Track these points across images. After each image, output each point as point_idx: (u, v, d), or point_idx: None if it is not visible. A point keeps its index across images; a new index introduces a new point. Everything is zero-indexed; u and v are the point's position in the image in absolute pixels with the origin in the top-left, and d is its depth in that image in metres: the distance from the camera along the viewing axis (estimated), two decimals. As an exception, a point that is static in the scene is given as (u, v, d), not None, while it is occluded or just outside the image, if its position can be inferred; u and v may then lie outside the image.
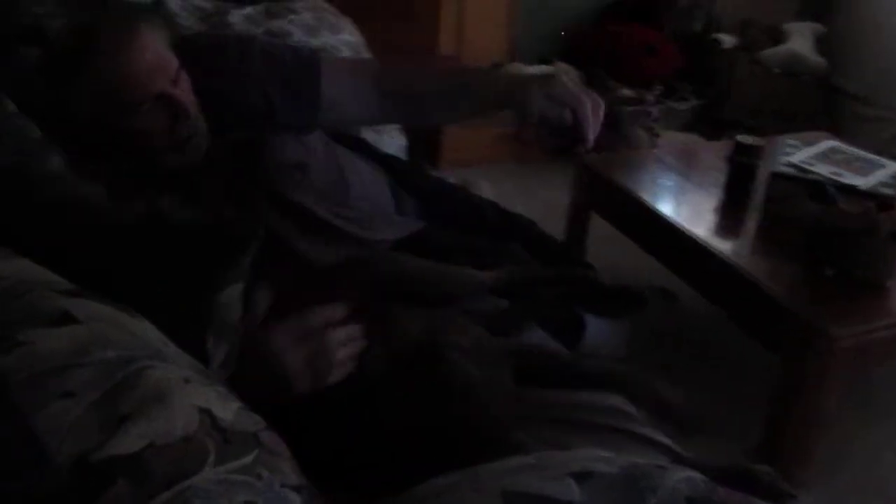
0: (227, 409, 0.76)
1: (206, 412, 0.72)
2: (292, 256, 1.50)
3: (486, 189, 2.63)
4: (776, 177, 2.17)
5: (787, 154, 2.26)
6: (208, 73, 1.53)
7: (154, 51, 1.35)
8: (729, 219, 2.24)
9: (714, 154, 2.57)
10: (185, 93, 1.38)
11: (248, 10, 2.36)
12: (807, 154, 2.28)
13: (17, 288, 0.78)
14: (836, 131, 2.87)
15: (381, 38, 2.56)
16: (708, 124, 3.90)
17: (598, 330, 1.75)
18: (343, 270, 1.56)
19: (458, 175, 3.03)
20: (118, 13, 1.38)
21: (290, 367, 1.03)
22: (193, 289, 0.93)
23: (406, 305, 1.44)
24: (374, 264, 1.60)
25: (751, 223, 2.19)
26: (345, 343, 1.08)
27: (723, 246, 2.08)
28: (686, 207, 2.29)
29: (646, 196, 2.30)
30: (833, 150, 2.38)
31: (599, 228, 2.53)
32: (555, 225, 2.55)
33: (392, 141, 2.44)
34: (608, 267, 2.54)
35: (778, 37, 3.86)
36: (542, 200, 3.16)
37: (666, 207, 2.25)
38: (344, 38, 2.41)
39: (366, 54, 2.46)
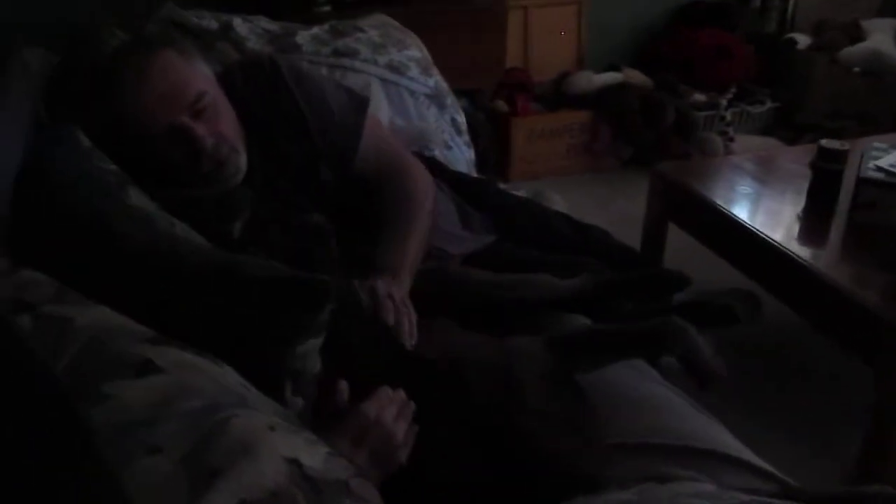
0: (316, 456, 0.74)
1: (293, 462, 0.70)
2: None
3: (558, 201, 2.60)
4: (864, 182, 2.07)
5: (874, 158, 2.16)
6: (259, 102, 1.54)
7: (171, 80, 1.34)
8: (814, 226, 2.15)
9: (793, 159, 2.48)
10: (208, 123, 1.36)
11: (315, 30, 2.36)
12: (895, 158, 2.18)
13: (101, 337, 0.77)
14: (924, 132, 2.75)
15: (447, 52, 2.55)
16: (785, 128, 3.79)
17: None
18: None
19: (530, 187, 3.00)
20: (144, 38, 1.38)
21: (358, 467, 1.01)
22: (270, 341, 0.91)
23: (472, 324, 1.43)
24: (443, 272, 1.59)
25: (837, 231, 2.10)
26: (399, 418, 1.06)
27: (810, 254, 2.00)
28: (767, 215, 2.21)
29: (723, 203, 2.23)
30: (923, 153, 2.27)
31: (676, 238, 2.46)
32: (631, 236, 2.48)
33: (461, 155, 2.42)
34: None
35: (857, 34, 3.73)
36: (616, 211, 3.11)
37: (745, 214, 2.17)
38: (410, 54, 2.39)
39: (434, 70, 2.45)
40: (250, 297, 0.92)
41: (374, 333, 1.23)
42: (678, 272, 1.54)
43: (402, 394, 1.09)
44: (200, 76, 1.40)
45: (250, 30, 2.31)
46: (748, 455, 1.33)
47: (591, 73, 3.60)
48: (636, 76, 3.66)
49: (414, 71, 2.36)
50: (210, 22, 2.18)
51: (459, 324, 1.45)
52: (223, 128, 1.40)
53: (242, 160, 1.44)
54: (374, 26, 2.42)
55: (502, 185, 2.62)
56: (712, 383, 1.25)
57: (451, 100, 2.44)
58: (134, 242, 0.98)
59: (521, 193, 2.63)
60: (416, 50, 2.42)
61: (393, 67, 2.33)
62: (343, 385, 1.05)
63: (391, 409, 1.05)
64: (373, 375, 1.16)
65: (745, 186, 2.36)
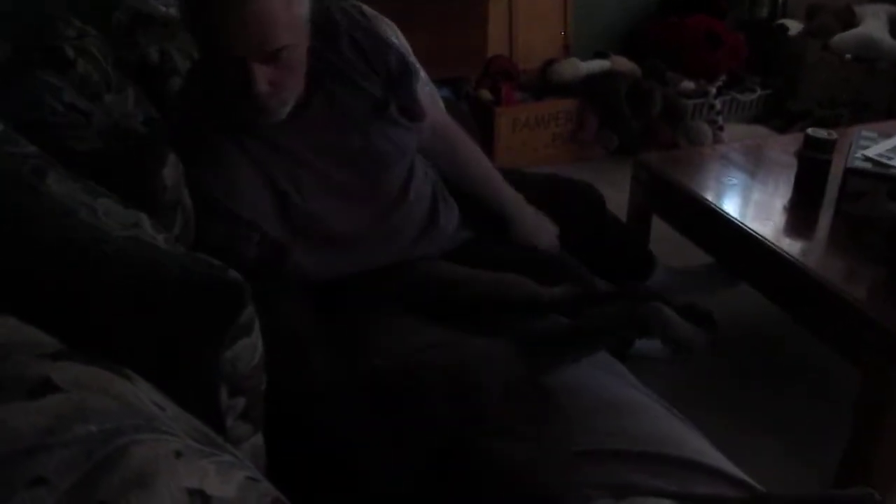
0: (228, 484, 0.67)
1: (197, 493, 0.63)
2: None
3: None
4: (851, 172, 2.00)
5: (863, 147, 2.09)
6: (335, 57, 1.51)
7: (263, 24, 1.28)
8: (799, 219, 2.08)
9: (782, 148, 2.42)
10: (275, 72, 1.33)
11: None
12: (885, 147, 2.10)
13: None
14: (917, 120, 2.68)
15: (426, 41, 2.47)
16: (776, 116, 3.73)
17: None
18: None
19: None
20: None
21: None
22: (192, 345, 0.84)
23: (440, 318, 1.37)
24: (412, 268, 1.53)
25: (824, 223, 2.04)
26: None
27: (793, 247, 1.93)
28: (752, 207, 2.14)
29: (708, 195, 2.16)
30: (914, 142, 2.20)
31: (662, 228, 2.40)
32: None
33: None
34: (666, 265, 2.44)
35: (849, 20, 3.65)
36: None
37: (730, 207, 2.10)
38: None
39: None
40: (167, 299, 0.85)
41: (315, 343, 1.17)
42: (659, 294, 1.48)
43: None
44: (295, 27, 1.35)
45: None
46: (721, 462, 1.27)
47: (577, 60, 3.53)
48: (624, 63, 3.58)
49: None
50: (176, 10, 2.11)
51: (426, 317, 1.40)
52: (286, 81, 1.37)
53: (286, 109, 1.41)
54: (349, 13, 2.35)
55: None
56: (693, 353, 1.29)
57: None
58: (47, 238, 0.91)
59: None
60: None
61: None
62: None
63: None
64: (321, 389, 1.10)
65: (730, 177, 2.29)
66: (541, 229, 1.78)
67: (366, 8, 1.65)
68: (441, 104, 2.03)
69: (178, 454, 0.66)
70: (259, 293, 0.94)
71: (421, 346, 1.26)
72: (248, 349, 0.89)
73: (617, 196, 2.70)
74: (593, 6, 3.74)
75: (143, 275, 0.87)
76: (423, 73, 1.90)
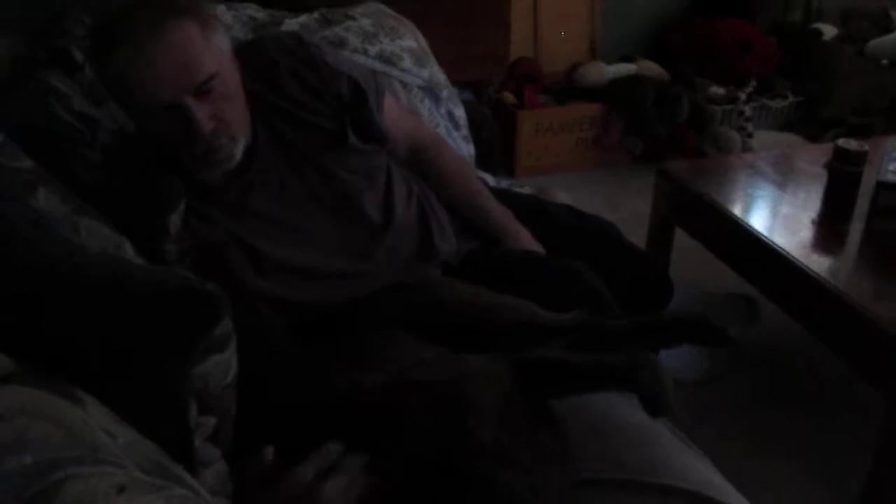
0: None
1: None
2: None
3: (564, 197, 2.48)
4: (883, 186, 1.92)
5: (896, 159, 2.01)
6: (273, 82, 1.47)
7: (185, 56, 1.24)
8: (828, 234, 2.00)
9: (813, 158, 2.32)
10: (212, 105, 1.29)
11: (303, 18, 2.25)
12: (919, 159, 2.02)
13: None
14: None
15: (448, 43, 2.42)
16: (808, 123, 3.62)
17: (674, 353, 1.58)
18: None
19: (534, 183, 2.89)
20: (159, 5, 1.27)
21: None
22: (160, 361, 0.80)
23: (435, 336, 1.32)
24: (415, 290, 1.47)
25: (853, 240, 1.95)
26: (343, 492, 0.93)
27: (820, 265, 1.85)
28: (779, 220, 2.06)
29: (732, 207, 2.08)
30: (951, 154, 2.10)
31: (685, 238, 2.33)
32: (639, 235, 2.39)
33: (458, 151, 2.29)
34: (692, 282, 2.37)
35: (886, 24, 3.54)
36: (625, 208, 2.99)
37: (755, 220, 2.02)
38: (404, 44, 2.27)
39: (431, 60, 2.32)
40: (137, 313, 0.81)
41: (296, 363, 1.12)
42: (679, 322, 1.41)
43: (354, 464, 0.97)
44: (217, 55, 1.30)
45: (234, 18, 2.20)
46: (731, 497, 1.20)
47: (602, 64, 3.46)
48: (651, 68, 3.51)
49: (407, 62, 2.24)
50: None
51: (424, 336, 1.35)
52: (227, 113, 1.32)
53: (239, 148, 1.36)
54: (367, 14, 2.30)
55: (506, 181, 2.51)
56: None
57: (447, 92, 2.32)
58: (19, 251, 0.87)
59: (524, 189, 2.53)
60: (410, 40, 2.30)
61: (384, 58, 2.21)
62: (268, 451, 0.93)
63: (333, 483, 0.92)
64: (297, 415, 1.05)
65: (757, 188, 2.21)
66: (534, 245, 1.72)
67: (305, 37, 1.60)
68: (422, 119, 1.99)
69: (121, 489, 0.61)
70: (240, 311, 0.90)
71: (412, 363, 1.20)
72: (222, 367, 0.85)
73: (640, 204, 2.64)
74: (621, 8, 3.67)
75: (112, 284, 0.83)
76: (405, 83, 1.87)
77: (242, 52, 1.47)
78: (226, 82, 1.31)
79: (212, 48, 1.29)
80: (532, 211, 1.80)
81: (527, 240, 1.70)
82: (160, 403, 0.80)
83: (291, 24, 2.21)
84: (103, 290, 0.81)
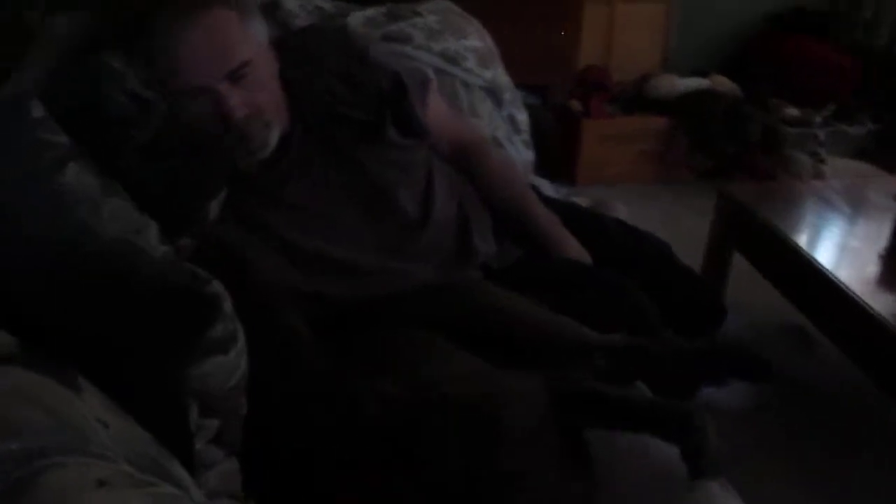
0: None
1: None
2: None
3: (622, 211, 2.41)
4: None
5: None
6: (313, 72, 1.47)
7: (218, 42, 1.25)
8: (893, 273, 1.91)
9: (886, 190, 2.23)
10: (246, 92, 1.29)
11: (370, 11, 2.22)
12: None
13: None
14: None
15: (516, 45, 2.38)
16: (886, 153, 3.47)
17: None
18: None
19: (593, 194, 2.82)
20: None
21: None
22: (158, 358, 0.78)
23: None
24: (457, 294, 1.44)
25: (922, 280, 1.86)
26: None
27: (883, 304, 1.76)
28: (843, 254, 1.98)
29: (795, 236, 2.00)
30: None
31: (744, 263, 2.25)
32: (696, 256, 2.31)
33: (516, 154, 2.25)
34: (746, 309, 2.29)
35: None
36: (684, 227, 2.90)
37: (818, 251, 1.94)
38: (469, 44, 2.23)
39: (496, 62, 2.28)
40: (136, 311, 0.80)
41: (324, 383, 1.09)
42: (722, 353, 1.35)
43: None
44: (252, 42, 1.32)
45: (301, 7, 2.18)
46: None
47: (674, 76, 3.38)
48: (724, 83, 3.42)
49: (471, 62, 2.20)
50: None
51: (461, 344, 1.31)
52: (261, 100, 1.32)
53: (273, 136, 1.36)
54: (434, 11, 2.26)
55: (564, 190, 2.46)
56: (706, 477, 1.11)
57: (510, 95, 2.28)
58: (35, 233, 0.87)
59: (581, 199, 2.47)
60: (476, 39, 2.26)
61: (448, 57, 2.17)
62: None
63: None
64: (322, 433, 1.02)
65: (823, 218, 2.12)
66: (582, 256, 1.66)
67: (351, 30, 1.59)
68: (468, 120, 1.95)
69: (101, 483, 0.60)
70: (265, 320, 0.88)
71: (445, 375, 1.16)
72: (224, 368, 0.84)
73: (700, 224, 2.56)
74: (698, 20, 3.58)
75: (116, 279, 0.82)
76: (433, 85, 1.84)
77: (285, 42, 1.47)
78: (260, 70, 1.31)
79: (247, 36, 1.29)
80: (584, 223, 1.75)
81: (573, 248, 1.66)
82: (158, 403, 0.79)
83: (358, 16, 2.19)
84: (106, 284, 0.81)
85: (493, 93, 2.24)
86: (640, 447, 1.22)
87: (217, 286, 0.81)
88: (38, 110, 1.08)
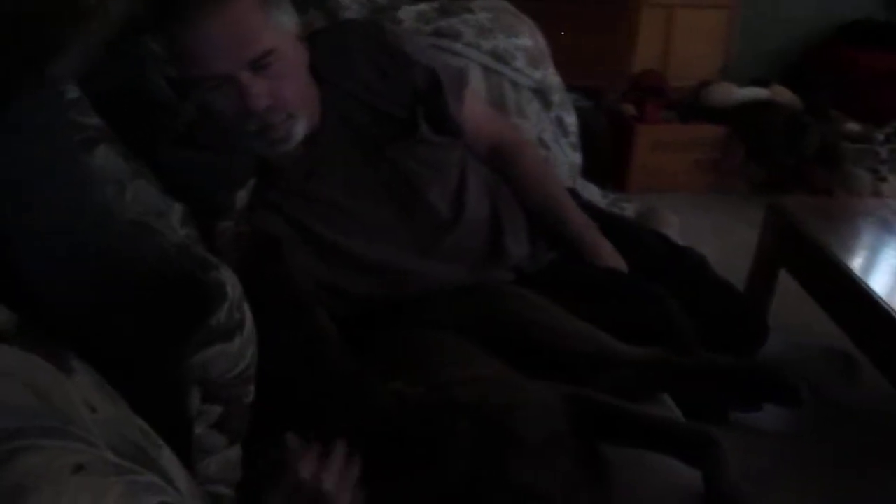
0: None
1: None
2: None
3: (672, 220, 2.36)
4: None
5: None
6: (346, 70, 1.46)
7: (241, 29, 1.24)
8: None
9: (950, 215, 2.13)
10: (270, 82, 1.28)
11: (423, 6, 2.21)
12: None
13: None
14: None
15: (569, 47, 2.34)
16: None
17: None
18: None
19: (643, 201, 2.77)
20: None
21: None
22: (158, 344, 0.77)
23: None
24: (486, 297, 1.41)
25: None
26: (344, 477, 0.94)
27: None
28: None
29: (847, 259, 1.92)
30: None
31: (791, 281, 2.18)
32: (744, 269, 2.27)
33: (562, 157, 2.22)
34: (790, 329, 2.21)
35: None
36: (738, 239, 2.84)
37: (871, 276, 1.86)
38: (520, 43, 2.20)
39: (547, 62, 2.25)
40: (141, 291, 0.80)
41: (347, 382, 1.08)
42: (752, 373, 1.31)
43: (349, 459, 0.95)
44: (276, 31, 1.30)
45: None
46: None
47: (733, 85, 3.31)
48: (784, 94, 3.33)
49: (520, 61, 2.18)
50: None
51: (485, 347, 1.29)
52: (285, 91, 1.31)
53: (298, 129, 1.35)
54: (486, 9, 2.24)
55: (613, 195, 2.42)
56: None
57: (559, 97, 2.25)
58: (56, 212, 0.87)
59: (628, 205, 2.43)
60: (527, 39, 2.23)
61: (497, 55, 2.15)
62: (292, 438, 0.92)
63: (334, 471, 0.90)
64: (338, 418, 1.01)
65: (879, 240, 2.04)
66: (617, 263, 1.63)
67: (387, 26, 1.58)
68: (506, 120, 1.92)
69: (78, 468, 0.59)
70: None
71: (463, 379, 1.13)
72: (227, 357, 0.83)
73: (751, 237, 2.49)
74: (760, 28, 3.50)
75: (124, 264, 0.82)
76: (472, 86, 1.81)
77: (320, 35, 1.46)
78: (285, 60, 1.29)
79: (270, 24, 1.28)
80: (620, 231, 1.71)
81: (608, 254, 1.62)
82: (157, 386, 0.79)
83: (409, 10, 2.18)
84: (111, 266, 0.80)
85: (541, 93, 2.21)
86: (659, 466, 1.18)
87: (223, 273, 0.81)
88: (72, 92, 1.09)
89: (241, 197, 1.24)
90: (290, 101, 1.31)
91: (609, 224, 1.73)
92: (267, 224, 1.33)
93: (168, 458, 0.71)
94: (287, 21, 1.33)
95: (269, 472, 0.90)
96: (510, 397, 1.10)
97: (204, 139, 1.35)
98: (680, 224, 2.32)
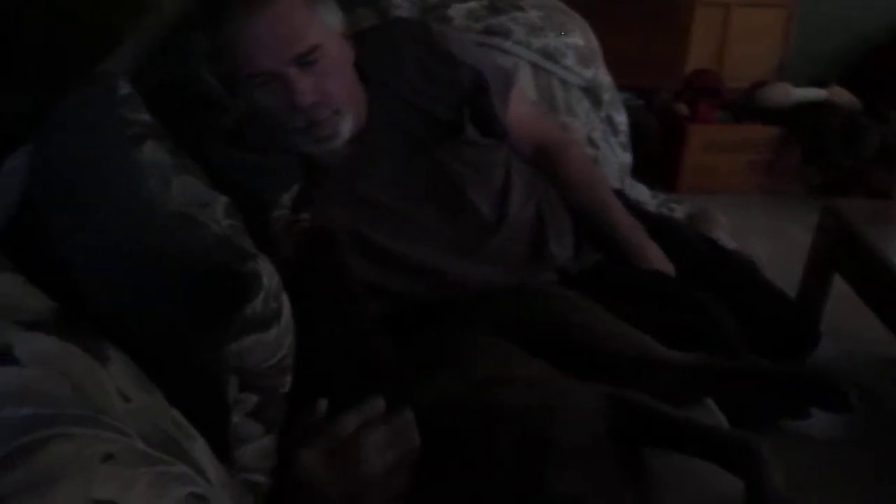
0: (160, 499, 0.61)
1: None
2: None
3: (722, 221, 2.33)
4: None
5: None
6: (392, 68, 1.48)
7: (285, 26, 1.26)
8: None
9: None
10: (316, 78, 1.29)
11: (473, 3, 2.20)
12: None
13: None
14: None
15: (621, 45, 2.33)
16: None
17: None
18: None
19: (693, 201, 2.73)
20: None
21: (326, 493, 0.89)
22: (194, 334, 0.79)
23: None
24: (528, 299, 1.40)
25: None
26: (389, 444, 0.93)
27: None
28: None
29: (899, 261, 1.87)
30: None
31: (845, 286, 2.13)
32: (797, 273, 2.23)
33: (612, 157, 2.21)
34: (843, 335, 2.17)
35: None
36: (787, 242, 2.78)
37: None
38: (571, 41, 2.19)
39: (597, 61, 2.24)
40: (176, 284, 0.81)
41: (388, 373, 1.08)
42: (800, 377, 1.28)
43: (407, 417, 0.95)
44: (321, 28, 1.32)
45: (404, -3, 2.19)
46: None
47: (789, 86, 3.24)
48: (842, 94, 3.26)
49: (570, 59, 2.17)
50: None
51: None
52: (331, 87, 1.33)
53: (344, 125, 1.37)
54: (537, 6, 2.23)
55: (663, 195, 2.40)
56: None
57: (610, 95, 2.24)
58: (105, 202, 0.89)
59: (678, 206, 2.40)
60: (579, 37, 2.22)
61: (547, 54, 2.14)
62: (322, 405, 0.94)
63: (376, 434, 0.91)
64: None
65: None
66: (664, 265, 1.60)
67: (434, 26, 1.59)
68: (553, 120, 1.93)
69: (108, 457, 0.60)
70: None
71: (502, 379, 1.13)
72: (264, 346, 0.85)
73: (805, 240, 2.44)
74: (819, 28, 3.42)
75: (163, 254, 0.83)
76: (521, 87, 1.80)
77: (368, 35, 1.47)
78: (331, 57, 1.31)
79: (316, 21, 1.30)
80: (667, 234, 1.69)
81: (655, 257, 1.60)
82: (195, 375, 0.81)
83: (459, 8, 2.18)
84: (149, 255, 0.82)
85: (591, 92, 2.19)
86: (703, 472, 1.16)
87: (260, 264, 0.82)
88: (124, 88, 1.12)
89: (285, 200, 1.26)
90: (336, 97, 1.33)
91: (657, 226, 1.71)
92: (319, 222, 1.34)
93: (200, 450, 0.73)
94: (332, 18, 1.35)
95: (304, 433, 0.91)
96: (551, 400, 1.09)
97: (252, 137, 1.38)
98: (731, 226, 2.29)
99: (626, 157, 2.28)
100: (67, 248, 0.86)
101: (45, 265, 0.84)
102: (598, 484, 1.01)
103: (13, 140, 1.22)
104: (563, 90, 2.15)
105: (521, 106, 1.62)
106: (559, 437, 1.02)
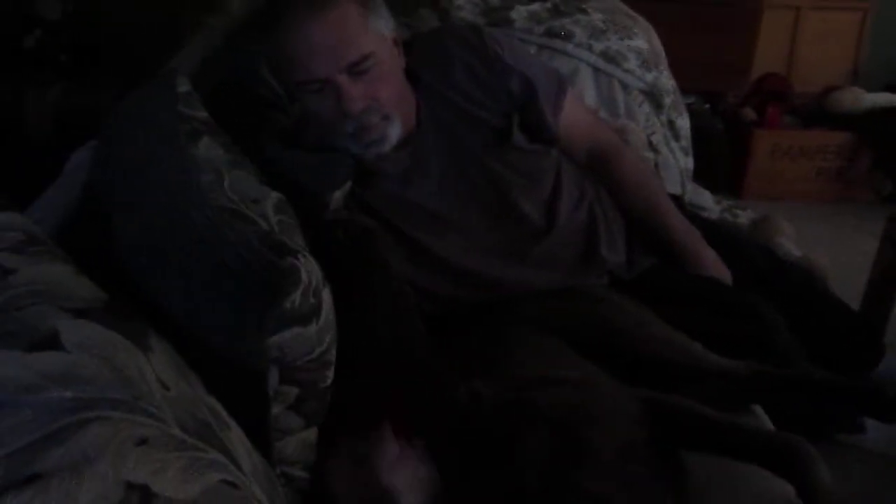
0: (190, 484, 0.63)
1: (138, 488, 0.59)
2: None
3: (786, 229, 2.29)
4: None
5: None
6: (444, 75, 1.48)
7: (338, 35, 1.28)
8: None
9: None
10: (366, 85, 1.31)
11: (535, 6, 2.21)
12: None
13: (23, 299, 0.71)
14: None
15: (686, 49, 2.30)
16: None
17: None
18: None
19: (760, 209, 2.69)
20: None
21: None
22: (235, 326, 0.81)
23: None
24: (576, 302, 1.40)
25: None
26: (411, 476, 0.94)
27: None
28: None
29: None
30: None
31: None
32: (862, 286, 2.13)
33: (672, 161, 2.18)
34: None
35: None
36: (855, 252, 2.69)
37: None
38: (633, 44, 2.18)
39: (661, 64, 2.22)
40: (219, 278, 0.84)
41: (429, 374, 1.09)
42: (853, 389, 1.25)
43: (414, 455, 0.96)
44: (373, 36, 1.34)
45: (466, 0, 2.20)
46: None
47: (861, 91, 3.16)
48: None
49: (632, 63, 2.15)
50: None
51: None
52: (381, 93, 1.35)
53: (393, 130, 1.38)
54: (601, 9, 2.23)
55: (727, 202, 2.36)
56: None
57: (671, 99, 2.21)
58: (161, 194, 0.92)
59: (743, 212, 2.36)
60: (642, 40, 2.20)
61: (608, 56, 2.14)
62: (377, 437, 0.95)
63: (403, 472, 0.93)
64: (416, 410, 1.03)
65: None
66: (720, 272, 1.58)
67: (486, 31, 1.57)
68: (606, 125, 1.87)
69: (143, 441, 0.63)
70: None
71: (542, 379, 1.12)
72: (305, 341, 0.86)
73: (873, 250, 2.38)
74: (894, 31, 3.32)
75: (210, 247, 0.86)
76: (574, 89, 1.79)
77: (419, 40, 1.48)
78: (382, 64, 1.32)
79: (368, 29, 1.31)
80: (726, 243, 1.66)
81: (711, 263, 1.58)
82: (237, 366, 0.82)
83: (521, 10, 2.18)
84: (198, 250, 0.85)
85: (653, 96, 2.18)
86: (752, 476, 1.15)
87: (300, 260, 0.84)
88: (183, 86, 1.15)
89: (337, 198, 1.28)
90: (385, 103, 1.34)
91: (715, 233, 1.69)
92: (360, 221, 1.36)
93: (235, 439, 0.74)
94: (384, 26, 1.37)
95: (344, 462, 0.92)
96: (589, 403, 1.09)
97: (306, 139, 1.40)
98: (796, 234, 2.24)
99: (688, 163, 2.25)
100: (121, 238, 0.90)
101: (103, 258, 0.88)
102: (633, 490, 1.00)
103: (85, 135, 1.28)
104: (624, 93, 2.13)
105: (577, 110, 1.61)
106: (595, 444, 1.02)
